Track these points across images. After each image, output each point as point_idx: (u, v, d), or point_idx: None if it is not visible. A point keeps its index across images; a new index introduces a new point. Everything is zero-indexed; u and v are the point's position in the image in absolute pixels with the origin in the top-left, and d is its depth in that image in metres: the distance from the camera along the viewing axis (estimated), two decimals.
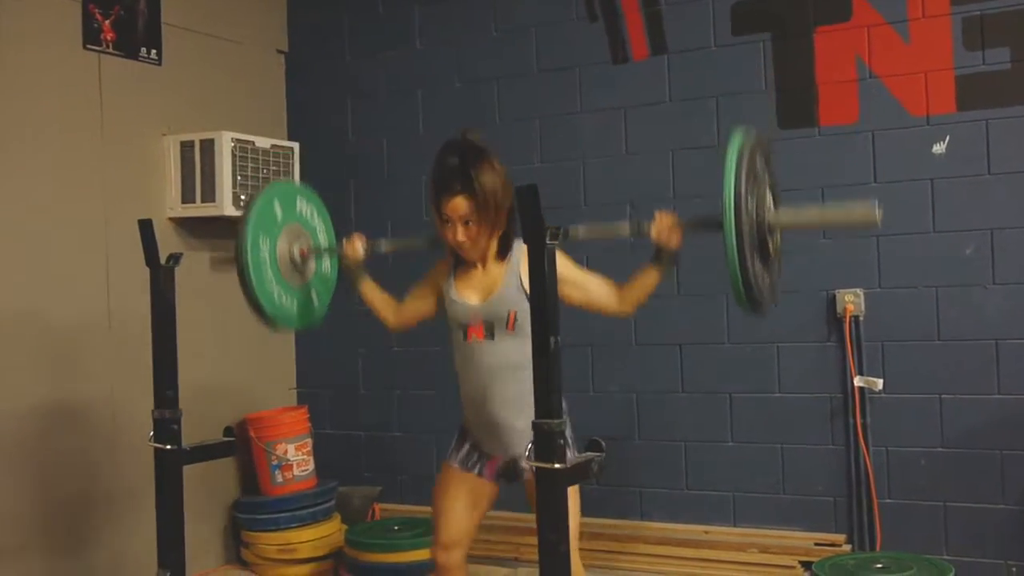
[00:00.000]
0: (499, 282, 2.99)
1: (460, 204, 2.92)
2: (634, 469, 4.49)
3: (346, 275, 3.33)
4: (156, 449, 2.85)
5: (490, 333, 2.96)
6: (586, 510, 4.42)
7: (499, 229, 3.00)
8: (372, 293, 3.31)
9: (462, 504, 3.12)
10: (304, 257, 3.23)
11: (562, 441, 2.26)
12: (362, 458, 5.17)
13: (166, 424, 2.85)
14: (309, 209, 3.34)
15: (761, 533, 4.24)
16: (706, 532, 4.32)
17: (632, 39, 4.54)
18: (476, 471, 3.14)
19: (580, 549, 4.27)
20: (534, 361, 2.28)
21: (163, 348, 2.89)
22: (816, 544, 4.11)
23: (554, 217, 4.48)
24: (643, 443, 4.49)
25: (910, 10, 4.02)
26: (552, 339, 2.23)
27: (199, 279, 4.66)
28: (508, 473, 3.14)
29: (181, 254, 2.94)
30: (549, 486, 2.24)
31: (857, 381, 4.04)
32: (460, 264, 3.10)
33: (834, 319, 4.13)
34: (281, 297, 3.12)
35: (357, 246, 3.23)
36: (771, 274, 2.63)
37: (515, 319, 2.92)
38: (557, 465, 2.22)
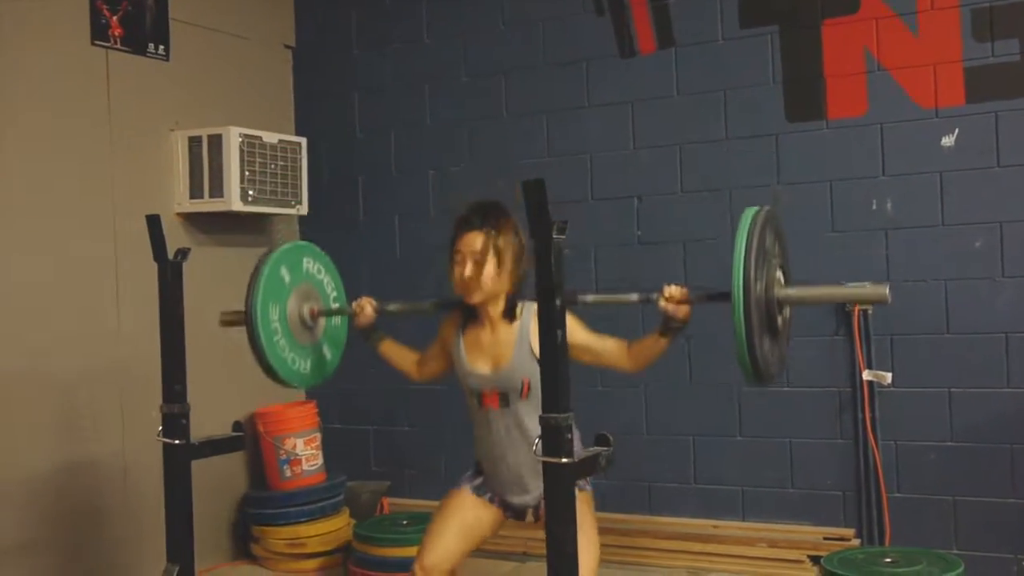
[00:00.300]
0: (510, 350, 2.95)
1: (474, 239, 2.91)
2: (643, 464, 4.49)
3: (362, 337, 3.32)
4: (165, 444, 2.86)
5: (504, 401, 2.95)
6: (596, 504, 4.46)
7: (507, 287, 2.96)
8: (391, 352, 3.33)
9: (456, 529, 3.07)
10: (314, 317, 3.24)
11: (570, 436, 2.25)
12: (371, 453, 5.17)
13: (175, 419, 2.86)
14: (316, 266, 3.34)
15: (770, 528, 4.23)
16: (715, 527, 4.32)
17: (639, 33, 4.52)
18: (487, 497, 3.12)
19: None
20: (542, 355, 2.27)
21: (171, 342, 2.89)
22: (825, 538, 4.11)
23: (562, 212, 4.54)
24: (651, 438, 4.49)
25: (919, 2, 4.01)
26: (559, 332, 2.22)
27: (207, 274, 4.65)
28: (517, 514, 3.13)
29: (189, 249, 2.94)
30: (556, 481, 2.23)
31: (866, 375, 4.03)
32: (467, 323, 3.06)
33: (843, 313, 4.12)
34: (295, 361, 3.16)
35: (367, 309, 3.22)
36: (780, 348, 2.60)
37: (529, 387, 2.90)
38: (564, 460, 2.21)
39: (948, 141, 3.98)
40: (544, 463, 2.24)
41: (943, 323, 3.98)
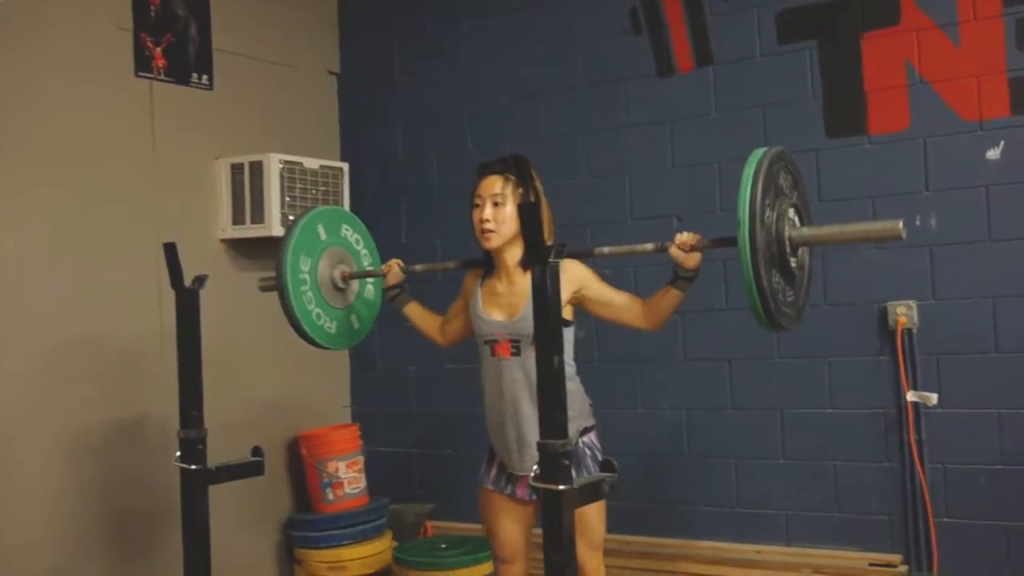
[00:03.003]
0: (524, 299, 2.96)
1: (494, 182, 3.01)
2: (684, 487, 4.42)
3: (390, 299, 3.44)
4: (182, 469, 2.89)
5: (516, 350, 2.98)
6: (636, 528, 4.43)
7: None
8: (416, 315, 3.43)
9: (509, 520, 3.15)
10: (345, 280, 3.32)
11: (567, 462, 2.21)
12: (415, 475, 5.18)
13: (191, 444, 2.90)
14: (355, 236, 3.46)
15: (814, 553, 4.12)
16: (758, 552, 4.22)
17: (677, 51, 4.48)
18: (508, 492, 3.14)
19: (627, 568, 4.25)
20: (538, 380, 2.25)
21: (188, 369, 2.93)
22: (871, 564, 3.98)
23: (601, 232, 4.54)
24: (693, 460, 4.41)
25: (960, 12, 3.90)
26: (555, 358, 2.19)
27: (252, 298, 4.72)
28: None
29: (206, 276, 2.98)
30: (554, 508, 2.19)
31: (910, 396, 3.91)
32: (487, 275, 3.13)
33: (886, 332, 4.00)
34: (321, 318, 3.21)
35: (395, 268, 3.35)
36: (797, 292, 2.56)
37: None
38: (562, 487, 2.18)
39: (994, 154, 3.86)
40: (542, 491, 2.21)
41: (991, 342, 3.84)
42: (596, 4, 4.66)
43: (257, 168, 4.54)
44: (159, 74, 4.40)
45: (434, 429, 5.10)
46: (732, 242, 2.37)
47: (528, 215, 2.29)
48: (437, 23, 5.13)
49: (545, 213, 3.06)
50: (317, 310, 3.18)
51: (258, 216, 4.54)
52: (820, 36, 4.17)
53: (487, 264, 3.13)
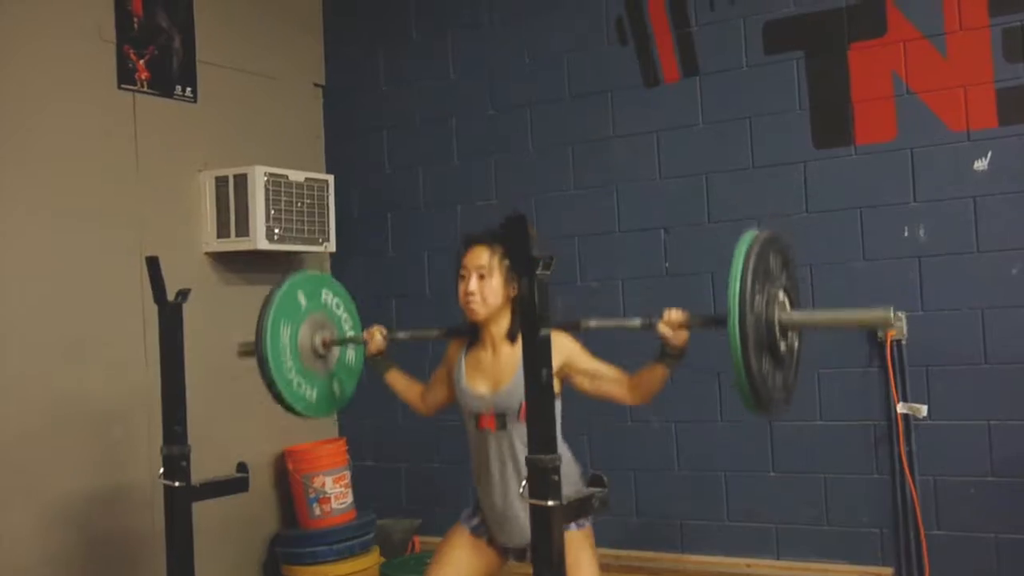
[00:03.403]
0: (510, 371, 2.90)
1: (480, 253, 2.92)
2: (674, 500, 4.39)
3: (371, 365, 3.36)
4: (165, 486, 2.85)
5: (502, 423, 2.91)
6: (625, 542, 4.39)
7: (511, 305, 2.95)
8: (397, 382, 3.35)
9: (471, 556, 3.06)
10: (326, 346, 3.25)
11: (556, 477, 2.18)
12: (402, 490, 5.13)
13: (174, 460, 2.85)
14: (335, 300, 3.36)
15: (805, 567, 4.09)
16: (748, 566, 4.19)
17: (663, 62, 4.47)
18: (486, 539, 3.08)
19: None
20: (527, 394, 2.22)
21: (171, 384, 2.89)
22: None
23: (587, 244, 4.51)
24: (682, 473, 4.39)
25: (947, 23, 3.90)
26: (544, 371, 2.16)
27: (237, 311, 4.69)
28: (518, 555, 3.07)
29: (189, 290, 2.94)
30: (544, 525, 2.16)
31: (900, 408, 3.89)
32: (471, 345, 3.05)
33: (875, 343, 3.98)
34: (302, 387, 3.13)
35: (376, 336, 3.25)
36: (785, 375, 2.52)
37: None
38: (551, 502, 2.14)
39: (981, 165, 3.85)
40: (531, 506, 2.18)
41: (980, 353, 3.83)
42: (582, 15, 4.65)
43: (242, 181, 4.50)
44: (142, 86, 4.36)
45: (422, 443, 5.05)
46: (721, 323, 2.34)
47: (514, 229, 2.24)
48: (423, 35, 5.11)
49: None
50: (298, 379, 3.10)
51: (243, 229, 4.50)
52: (807, 47, 4.16)
53: (472, 333, 3.04)
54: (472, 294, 2.89)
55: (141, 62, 4.36)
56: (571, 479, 2.87)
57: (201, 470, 3.26)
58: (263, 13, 5.00)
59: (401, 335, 3.32)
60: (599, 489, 2.31)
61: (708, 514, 4.32)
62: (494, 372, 2.95)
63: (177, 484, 2.85)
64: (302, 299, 3.16)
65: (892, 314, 2.40)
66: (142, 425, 4.19)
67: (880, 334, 3.95)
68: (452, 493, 4.95)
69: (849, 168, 4.07)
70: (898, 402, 3.90)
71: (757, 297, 2.29)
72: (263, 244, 4.46)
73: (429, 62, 5.07)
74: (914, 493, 3.89)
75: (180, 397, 2.91)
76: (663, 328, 2.66)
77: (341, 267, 5.18)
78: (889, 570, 3.95)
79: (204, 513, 3.48)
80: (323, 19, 5.39)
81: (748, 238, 2.38)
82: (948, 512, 3.88)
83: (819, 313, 2.56)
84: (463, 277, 2.94)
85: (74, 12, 4.10)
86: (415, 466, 5.11)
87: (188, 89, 4.58)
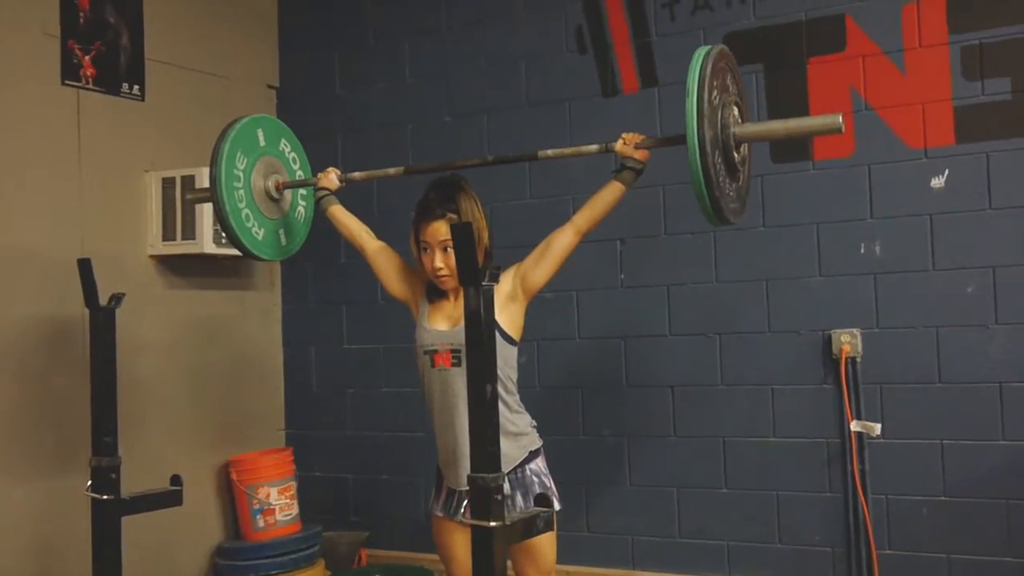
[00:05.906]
0: None
1: (440, 228, 2.94)
2: (625, 516, 4.33)
3: (317, 201, 3.38)
4: (93, 499, 2.73)
5: (457, 360, 2.90)
6: (576, 558, 4.32)
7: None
8: (343, 215, 3.36)
9: (461, 547, 3.00)
10: (279, 190, 3.29)
11: (500, 497, 2.10)
12: (350, 502, 5.02)
13: (103, 473, 2.73)
14: (292, 154, 3.43)
15: None
16: None
17: (622, 72, 4.42)
18: (458, 518, 3.01)
19: None
20: (470, 412, 2.14)
21: (101, 391, 2.77)
22: None
23: None
24: (634, 489, 4.32)
25: (906, 40, 3.88)
26: (488, 387, 2.08)
27: (183, 316, 4.58)
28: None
29: (123, 294, 2.83)
30: (485, 546, 2.07)
31: (854, 426, 3.85)
32: (435, 292, 3.07)
33: (830, 360, 3.95)
34: (250, 219, 3.18)
35: (332, 176, 3.35)
36: (738, 185, 2.74)
37: None
38: (493, 523, 2.06)
39: (938, 182, 3.83)
40: (472, 528, 2.09)
41: (934, 372, 3.80)
42: (541, 22, 4.59)
43: (189, 182, 4.38)
44: (87, 83, 4.23)
45: (370, 454, 4.95)
46: (680, 140, 2.50)
47: (460, 237, 2.17)
48: (380, 38, 5.02)
49: (483, 234, 3.00)
50: (247, 212, 3.15)
51: (189, 232, 4.38)
52: (766, 60, 4.13)
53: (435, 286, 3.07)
54: (441, 268, 2.93)
55: (87, 58, 4.23)
56: (525, 426, 3.01)
57: (139, 482, 3.15)
58: (216, 11, 4.88)
59: (357, 175, 3.39)
60: (544, 510, 2.23)
61: (659, 530, 4.26)
62: (455, 313, 2.98)
63: (106, 497, 2.73)
64: (261, 138, 3.22)
65: (840, 120, 2.51)
66: (72, 438, 4.04)
67: (835, 351, 3.91)
68: (401, 505, 4.86)
69: (806, 183, 4.04)
70: (852, 420, 3.87)
71: (712, 109, 2.45)
72: (210, 248, 4.34)
73: (385, 67, 4.99)
74: (867, 512, 3.85)
75: (111, 406, 2.79)
76: (621, 146, 2.87)
77: (293, 272, 5.09)
78: None
79: (143, 525, 3.37)
80: (278, 20, 5.28)
81: (701, 52, 2.52)
82: (900, 531, 3.84)
83: (772, 124, 2.80)
84: (425, 250, 2.97)
85: (16, 5, 3.97)
86: (363, 477, 5.00)
87: (136, 87, 4.46)
